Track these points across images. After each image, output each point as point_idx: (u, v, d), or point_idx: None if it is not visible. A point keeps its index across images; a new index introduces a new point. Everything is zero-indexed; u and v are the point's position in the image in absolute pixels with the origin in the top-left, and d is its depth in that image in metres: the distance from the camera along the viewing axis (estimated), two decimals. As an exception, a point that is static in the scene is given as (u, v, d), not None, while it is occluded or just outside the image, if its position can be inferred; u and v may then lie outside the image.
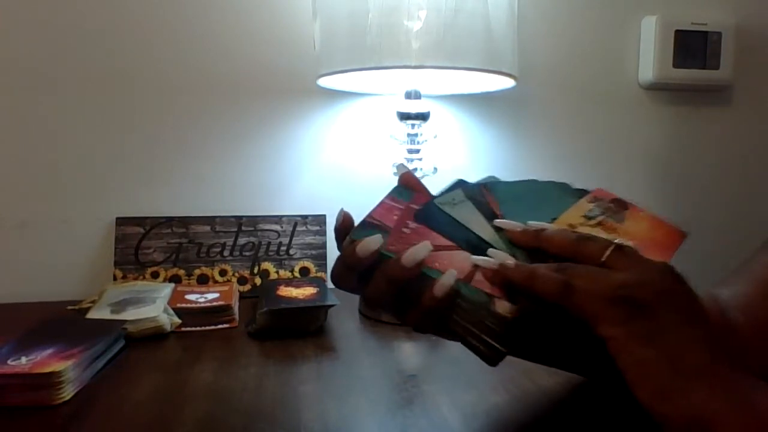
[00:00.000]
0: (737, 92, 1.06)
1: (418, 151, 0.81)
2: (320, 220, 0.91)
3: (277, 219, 0.91)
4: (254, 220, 0.90)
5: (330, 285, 0.82)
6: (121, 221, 0.87)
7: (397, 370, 0.59)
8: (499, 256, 0.38)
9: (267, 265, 0.89)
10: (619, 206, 0.44)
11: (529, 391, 0.53)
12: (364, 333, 0.71)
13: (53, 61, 0.86)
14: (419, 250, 0.37)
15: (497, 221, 0.41)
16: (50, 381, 0.49)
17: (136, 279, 0.84)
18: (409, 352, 0.65)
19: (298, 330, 0.69)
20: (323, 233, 0.91)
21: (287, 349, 0.64)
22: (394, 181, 0.45)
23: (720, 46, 1.00)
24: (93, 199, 0.89)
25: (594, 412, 0.50)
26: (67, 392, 0.50)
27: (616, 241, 0.37)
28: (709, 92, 1.06)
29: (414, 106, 0.80)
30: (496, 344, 0.36)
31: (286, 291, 0.74)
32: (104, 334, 0.60)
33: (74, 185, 0.89)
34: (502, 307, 0.36)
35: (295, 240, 0.90)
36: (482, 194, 0.45)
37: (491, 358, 0.37)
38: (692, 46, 1.00)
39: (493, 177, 0.49)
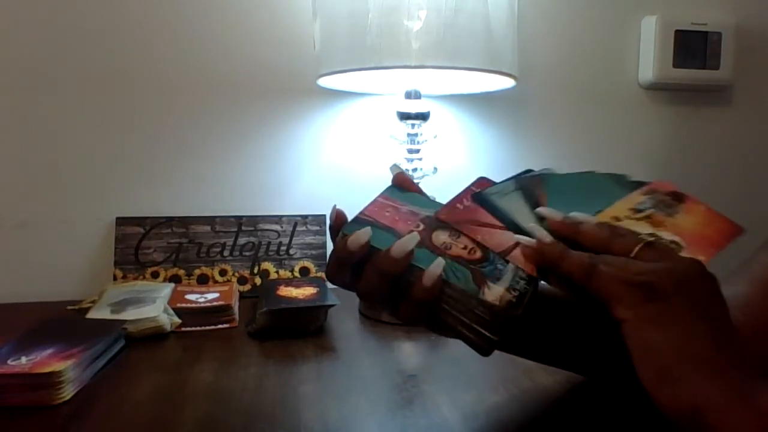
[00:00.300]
0: (737, 92, 1.06)
1: (418, 151, 0.81)
2: (320, 220, 0.91)
3: (277, 219, 0.91)
4: (254, 220, 0.90)
5: (330, 285, 0.82)
6: (121, 221, 0.87)
7: (397, 370, 0.59)
8: (538, 233, 0.39)
9: (267, 265, 0.89)
10: (674, 199, 0.44)
11: (529, 390, 0.53)
12: (364, 333, 0.71)
13: (53, 61, 0.86)
14: (407, 241, 0.37)
15: (538, 209, 0.42)
16: (50, 381, 0.49)
17: (136, 279, 0.84)
18: (409, 352, 0.65)
19: (298, 330, 0.69)
20: (323, 233, 0.91)
21: (287, 349, 0.64)
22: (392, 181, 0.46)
23: (720, 46, 1.00)
24: (93, 199, 0.89)
25: (594, 411, 0.50)
26: (67, 392, 0.50)
27: (650, 238, 0.37)
28: (709, 92, 1.06)
29: (414, 106, 0.80)
30: (486, 333, 0.36)
31: (286, 291, 0.74)
32: (104, 334, 0.60)
33: (74, 185, 0.89)
34: (491, 295, 0.36)
35: (295, 240, 0.90)
36: (535, 185, 0.45)
37: (483, 347, 0.37)
38: (692, 46, 1.00)
39: (548, 169, 0.49)
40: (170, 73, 0.89)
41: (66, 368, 0.50)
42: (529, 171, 0.47)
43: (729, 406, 0.31)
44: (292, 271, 0.89)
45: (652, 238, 0.37)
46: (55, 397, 0.49)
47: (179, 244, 0.87)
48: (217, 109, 0.91)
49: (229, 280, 0.87)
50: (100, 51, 0.87)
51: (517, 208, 0.43)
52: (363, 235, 0.38)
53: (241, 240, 0.89)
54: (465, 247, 0.40)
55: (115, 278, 0.85)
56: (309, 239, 0.90)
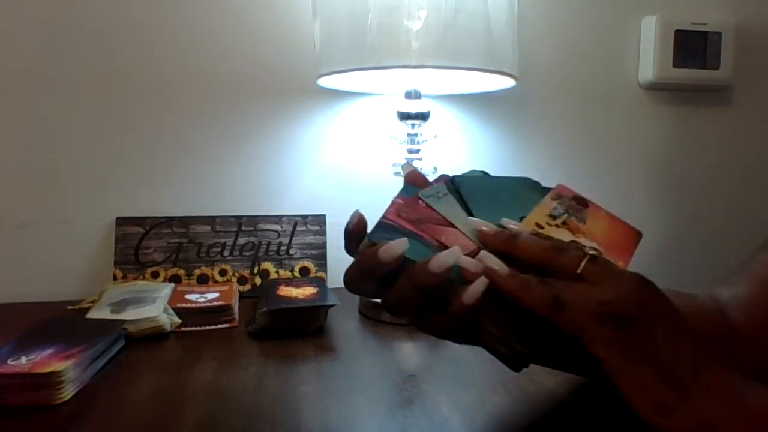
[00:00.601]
0: (737, 92, 1.06)
1: (418, 151, 0.81)
2: (320, 220, 0.91)
3: (277, 219, 0.91)
4: (254, 220, 0.90)
5: (330, 285, 0.82)
6: (121, 221, 0.87)
7: (397, 370, 0.59)
8: (490, 262, 0.37)
9: (267, 265, 0.89)
10: (580, 204, 0.44)
11: (529, 391, 0.53)
12: (364, 333, 0.71)
13: (53, 61, 0.86)
14: (448, 256, 0.36)
15: (469, 219, 0.41)
16: (50, 381, 0.49)
17: (136, 279, 0.84)
18: (409, 352, 0.65)
19: (298, 330, 0.69)
20: (323, 233, 0.91)
21: (287, 349, 0.64)
22: (394, 181, 0.45)
23: (720, 46, 1.00)
24: (93, 199, 0.89)
25: (594, 412, 0.50)
26: (67, 392, 0.50)
27: (588, 251, 0.37)
28: (709, 92, 1.06)
29: (414, 106, 0.80)
30: (522, 349, 0.36)
31: (286, 291, 0.74)
32: (104, 334, 0.60)
33: (74, 185, 0.89)
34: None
35: (295, 240, 0.90)
36: (459, 189, 0.44)
37: (516, 362, 0.37)
38: (692, 46, 1.00)
39: (476, 171, 0.49)
40: (170, 73, 0.89)
41: (66, 368, 0.50)
42: (445, 175, 0.46)
43: (728, 415, 0.31)
44: (292, 271, 0.89)
45: (594, 252, 0.37)
46: (55, 397, 0.49)
47: (179, 244, 0.87)
48: (217, 109, 0.91)
49: (229, 280, 0.87)
50: (100, 51, 0.87)
51: (454, 213, 0.42)
52: (398, 246, 0.36)
53: (241, 240, 0.89)
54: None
55: (115, 278, 0.85)
56: (309, 239, 0.90)
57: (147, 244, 0.87)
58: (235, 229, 0.89)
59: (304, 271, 0.89)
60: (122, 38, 0.88)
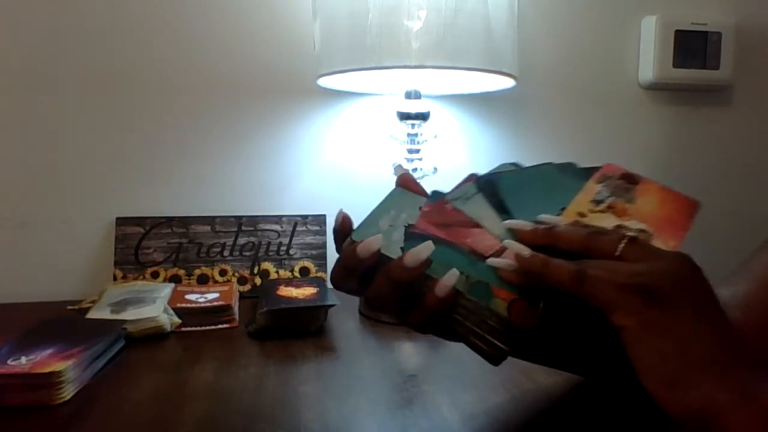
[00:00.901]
0: (737, 92, 1.06)
1: (418, 151, 0.81)
2: (320, 220, 0.91)
3: (277, 219, 0.91)
4: (254, 220, 0.90)
5: (330, 285, 0.82)
6: (121, 221, 0.87)
7: (397, 370, 0.59)
8: (514, 247, 0.38)
9: (267, 265, 0.89)
10: (629, 182, 0.43)
11: (529, 391, 0.53)
12: (364, 333, 0.71)
13: (53, 61, 0.86)
14: (421, 251, 0.37)
15: (506, 222, 0.40)
16: (50, 381, 0.49)
17: (136, 279, 0.84)
18: (409, 352, 0.65)
19: (298, 330, 0.69)
20: (323, 233, 0.91)
21: (287, 349, 0.64)
22: (394, 181, 0.45)
23: (720, 46, 1.00)
24: (93, 199, 0.89)
25: (594, 411, 0.50)
26: (67, 392, 0.50)
27: (629, 233, 0.36)
28: (709, 92, 1.06)
29: (414, 106, 0.80)
30: (499, 343, 0.36)
31: (286, 291, 0.74)
32: (104, 334, 0.60)
33: (74, 185, 0.89)
34: (504, 307, 0.36)
35: (295, 240, 0.90)
36: (493, 186, 0.44)
37: (494, 357, 0.37)
38: (692, 46, 1.00)
39: (509, 164, 0.48)
40: (170, 73, 0.89)
41: (66, 368, 0.50)
42: (474, 174, 0.46)
43: (738, 406, 0.31)
44: (292, 271, 0.89)
45: (634, 234, 0.36)
46: (55, 397, 0.49)
47: (179, 244, 0.87)
48: (217, 109, 0.91)
49: (229, 280, 0.87)
50: (100, 51, 0.87)
51: (483, 213, 0.42)
52: (374, 242, 0.37)
53: (241, 240, 0.89)
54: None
55: (115, 278, 0.85)
56: (309, 239, 0.90)
57: (147, 244, 0.87)
58: (235, 229, 0.89)
59: (304, 271, 0.89)
60: (122, 38, 0.88)
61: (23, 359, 0.52)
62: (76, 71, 0.87)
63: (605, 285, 0.34)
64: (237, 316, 0.74)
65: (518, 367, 0.56)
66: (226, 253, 0.88)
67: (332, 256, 0.89)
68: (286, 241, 0.90)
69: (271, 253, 0.89)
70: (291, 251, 0.90)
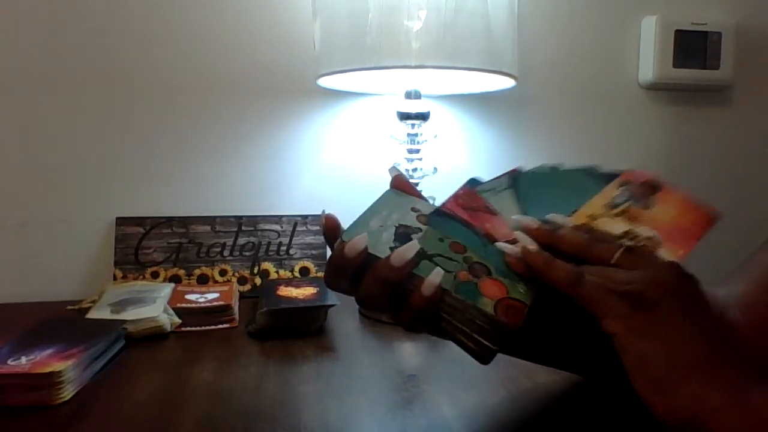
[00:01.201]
0: (737, 92, 1.06)
1: (418, 151, 0.81)
2: (320, 220, 0.91)
3: (277, 219, 0.91)
4: (254, 220, 0.90)
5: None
6: (121, 221, 0.87)
7: (397, 370, 0.59)
8: (523, 240, 0.39)
9: (267, 265, 0.89)
10: (650, 189, 0.44)
11: (529, 390, 0.53)
12: (364, 333, 0.71)
13: (53, 61, 0.86)
14: (407, 250, 0.37)
15: (515, 217, 0.42)
16: (50, 381, 0.49)
17: (136, 279, 0.84)
18: (409, 352, 0.65)
19: (298, 330, 0.69)
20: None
21: (287, 349, 0.64)
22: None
23: (720, 46, 1.00)
24: (93, 199, 0.89)
25: (594, 411, 0.50)
26: (67, 392, 0.50)
27: (625, 243, 0.38)
28: (709, 92, 1.06)
29: (414, 106, 0.80)
30: (486, 342, 0.36)
31: (286, 291, 0.74)
32: (104, 334, 0.60)
33: (74, 185, 0.89)
34: (491, 305, 0.36)
35: (295, 240, 0.90)
36: (518, 183, 0.46)
37: (483, 356, 0.37)
38: (692, 46, 1.00)
39: (545, 166, 0.49)
40: (170, 73, 0.89)
41: (66, 368, 0.50)
42: (515, 170, 0.48)
43: (725, 408, 0.31)
44: (292, 271, 0.89)
45: (631, 243, 0.37)
46: (55, 397, 0.49)
47: (179, 244, 0.87)
48: (217, 109, 0.91)
49: (229, 280, 0.87)
50: (100, 51, 0.87)
51: (507, 207, 0.43)
52: (359, 242, 0.38)
53: (241, 240, 0.89)
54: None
55: (115, 278, 0.85)
56: (309, 239, 0.90)
57: (147, 244, 0.87)
58: (235, 229, 0.89)
59: (304, 271, 0.89)
60: (122, 38, 0.88)
61: (23, 359, 0.52)
62: (76, 71, 0.87)
63: (597, 290, 0.35)
64: (237, 316, 0.74)
65: (518, 367, 0.56)
66: (226, 253, 0.88)
67: (332, 256, 0.90)
68: (286, 241, 0.90)
69: (271, 253, 0.89)
70: (291, 251, 0.90)
